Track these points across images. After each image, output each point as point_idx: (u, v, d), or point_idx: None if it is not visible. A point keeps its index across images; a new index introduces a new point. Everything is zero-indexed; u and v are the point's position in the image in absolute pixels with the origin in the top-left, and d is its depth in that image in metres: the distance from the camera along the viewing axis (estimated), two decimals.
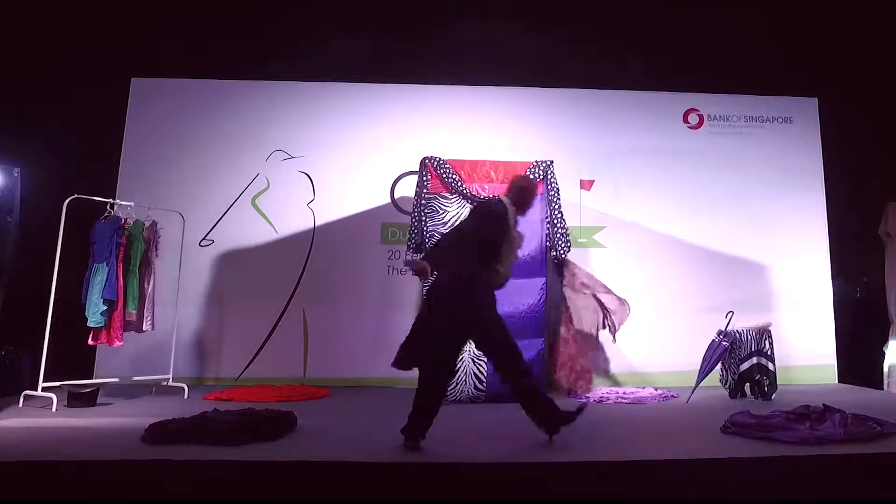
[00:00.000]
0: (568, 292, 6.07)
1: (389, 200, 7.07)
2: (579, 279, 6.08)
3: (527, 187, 4.18)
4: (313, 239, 6.96)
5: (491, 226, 3.91)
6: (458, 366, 5.51)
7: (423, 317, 4.00)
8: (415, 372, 5.45)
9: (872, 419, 3.96)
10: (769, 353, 5.73)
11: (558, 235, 5.90)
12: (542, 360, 5.61)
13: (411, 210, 6.05)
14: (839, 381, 6.93)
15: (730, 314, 5.85)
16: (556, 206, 5.93)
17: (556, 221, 5.91)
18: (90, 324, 5.33)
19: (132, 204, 5.89)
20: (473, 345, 5.52)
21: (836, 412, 3.98)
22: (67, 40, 6.81)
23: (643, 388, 6.31)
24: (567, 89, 7.44)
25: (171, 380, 5.90)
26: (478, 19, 7.13)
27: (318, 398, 5.73)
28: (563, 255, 5.96)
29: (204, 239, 6.87)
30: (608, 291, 6.10)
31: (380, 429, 4.31)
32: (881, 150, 7.14)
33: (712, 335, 5.80)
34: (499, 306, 5.55)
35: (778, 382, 5.74)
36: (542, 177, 5.90)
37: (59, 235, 5.26)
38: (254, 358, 6.67)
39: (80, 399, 5.07)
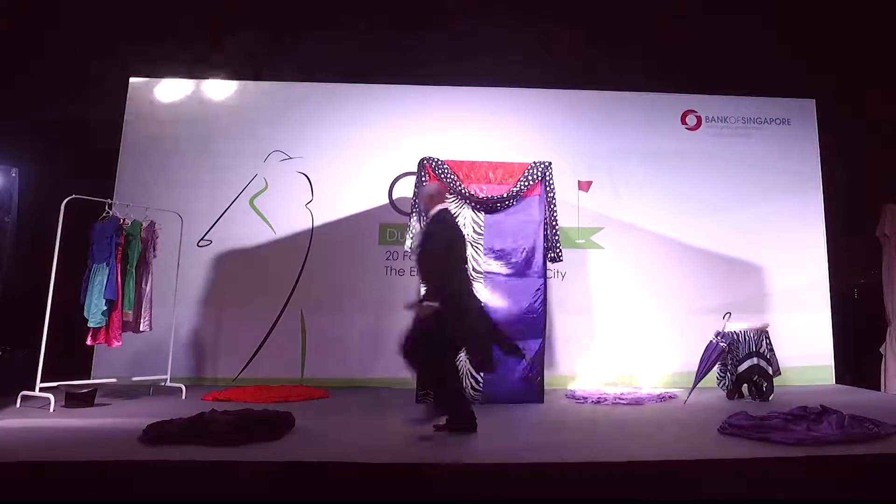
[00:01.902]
0: None
1: (388, 201, 7.07)
2: None
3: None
4: (311, 239, 6.96)
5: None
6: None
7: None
8: (408, 373, 5.49)
9: (869, 420, 3.97)
10: (767, 354, 5.74)
11: (556, 238, 5.90)
12: (540, 360, 5.61)
13: (409, 211, 6.04)
14: (837, 382, 6.94)
15: (727, 315, 5.86)
16: (553, 209, 5.93)
17: (553, 223, 5.91)
18: (91, 324, 5.33)
19: (130, 204, 5.89)
20: None
21: (833, 413, 4.00)
22: (66, 40, 6.80)
23: (641, 388, 6.32)
24: (565, 90, 7.46)
25: (168, 380, 5.89)
26: (477, 20, 7.12)
27: (315, 399, 5.72)
28: (559, 259, 5.96)
29: (202, 239, 6.87)
30: None
31: (377, 429, 4.32)
32: (879, 152, 7.15)
33: (710, 336, 5.81)
34: (498, 307, 5.63)
35: (775, 383, 5.75)
36: (540, 178, 5.90)
37: (56, 235, 5.26)
38: (251, 359, 6.67)
39: (78, 399, 5.07)
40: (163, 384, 5.88)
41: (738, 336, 5.76)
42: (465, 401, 4.37)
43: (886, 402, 5.56)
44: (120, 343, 5.48)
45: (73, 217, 5.40)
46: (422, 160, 5.89)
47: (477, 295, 4.65)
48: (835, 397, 5.49)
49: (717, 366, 5.84)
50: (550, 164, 5.97)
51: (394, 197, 7.09)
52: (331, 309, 6.83)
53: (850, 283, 7.68)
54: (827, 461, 3.36)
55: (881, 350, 6.76)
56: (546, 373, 5.75)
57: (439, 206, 4.50)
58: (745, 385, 5.82)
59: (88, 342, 5.45)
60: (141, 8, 6.91)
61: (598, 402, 5.68)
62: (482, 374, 5.51)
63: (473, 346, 4.32)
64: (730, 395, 5.81)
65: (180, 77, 7.22)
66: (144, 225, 5.79)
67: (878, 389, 6.58)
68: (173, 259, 6.19)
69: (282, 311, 6.76)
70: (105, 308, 5.33)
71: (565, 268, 6.91)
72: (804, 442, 3.59)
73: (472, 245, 5.75)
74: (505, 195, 5.82)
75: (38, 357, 5.05)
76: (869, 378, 6.75)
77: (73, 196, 5.36)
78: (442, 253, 4.26)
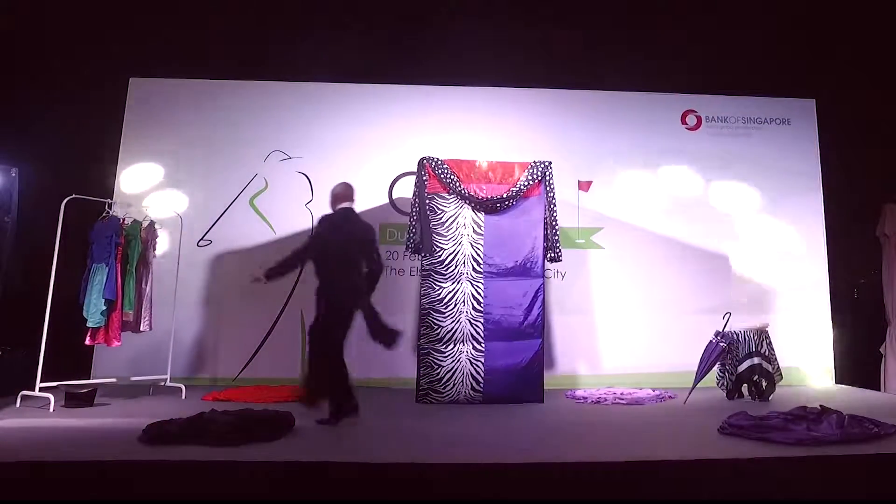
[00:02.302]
0: None
1: (388, 201, 7.07)
2: None
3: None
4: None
5: None
6: (456, 366, 5.54)
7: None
8: (410, 371, 5.53)
9: (869, 420, 3.97)
10: (767, 354, 5.74)
11: (556, 238, 5.90)
12: (540, 360, 5.61)
13: (409, 211, 6.04)
14: (837, 383, 6.94)
15: (727, 315, 5.86)
16: (553, 208, 5.92)
17: (553, 223, 5.91)
18: (90, 324, 5.33)
19: (130, 204, 5.89)
20: (471, 346, 5.58)
21: (832, 413, 4.00)
22: (66, 40, 6.79)
23: (641, 388, 6.31)
24: (566, 90, 7.45)
25: (168, 380, 5.89)
26: (477, 19, 7.12)
27: None
28: (558, 259, 5.96)
29: (202, 239, 6.86)
30: None
31: (377, 429, 4.32)
32: (879, 152, 7.14)
33: (710, 336, 5.81)
34: (497, 307, 5.63)
35: (776, 383, 5.75)
36: (540, 178, 5.90)
37: (56, 235, 5.25)
38: (251, 358, 6.66)
39: (78, 399, 5.07)
40: (163, 384, 5.88)
41: (737, 336, 5.76)
42: (349, 391, 4.53)
43: (886, 402, 5.56)
44: (119, 343, 5.48)
45: (73, 217, 5.40)
46: (421, 160, 5.89)
47: (362, 294, 4.80)
48: (835, 397, 5.49)
49: (716, 366, 5.84)
50: (550, 163, 5.97)
51: (394, 197, 7.09)
52: None
53: (850, 283, 7.67)
54: (827, 461, 3.36)
55: (881, 350, 6.76)
56: (546, 373, 5.75)
57: (342, 205, 4.84)
58: (745, 385, 5.82)
59: (87, 342, 5.45)
60: (141, 8, 6.90)
61: (598, 402, 5.68)
62: (482, 375, 5.52)
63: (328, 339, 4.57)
64: (729, 395, 5.81)
65: (180, 77, 7.22)
66: (144, 225, 5.79)
67: (878, 389, 6.58)
68: (173, 259, 6.19)
69: (281, 311, 6.76)
70: (104, 308, 5.33)
71: (565, 268, 6.91)
72: (804, 442, 3.60)
73: (471, 245, 5.76)
74: (505, 195, 5.83)
75: (38, 357, 5.05)
76: (869, 378, 6.76)
77: (73, 196, 5.36)
78: (319, 250, 4.75)
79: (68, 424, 4.32)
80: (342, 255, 4.70)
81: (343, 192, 4.90)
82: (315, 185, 7.06)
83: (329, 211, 4.94)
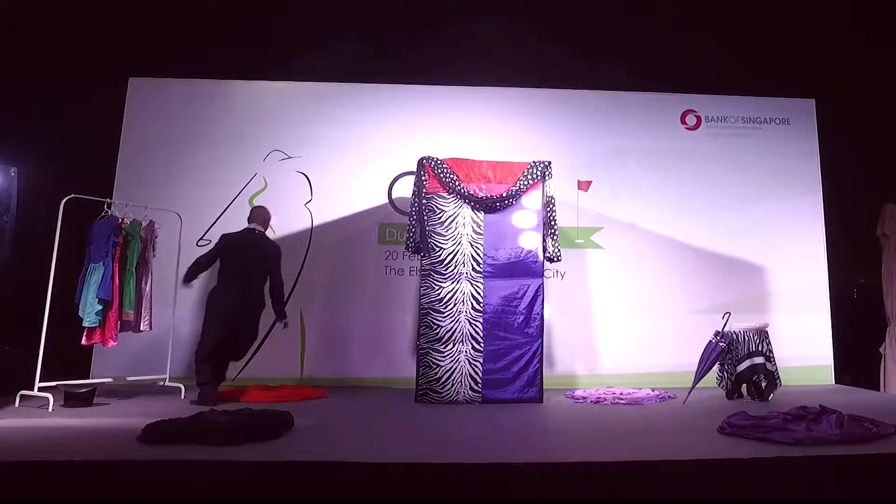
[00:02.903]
0: None
1: (387, 201, 7.07)
2: None
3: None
4: (311, 239, 6.96)
5: None
6: (454, 366, 5.54)
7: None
8: (410, 371, 5.56)
9: (868, 420, 3.96)
10: (768, 353, 5.74)
11: (555, 238, 5.89)
12: (539, 360, 5.60)
13: (409, 210, 6.04)
14: (836, 382, 6.94)
15: (727, 315, 5.86)
16: (552, 208, 5.91)
17: (552, 223, 5.90)
18: (86, 323, 5.31)
19: (129, 203, 5.89)
20: (470, 346, 5.58)
21: (832, 413, 3.99)
22: (66, 40, 6.79)
23: (640, 388, 6.31)
24: (565, 90, 7.46)
25: (167, 380, 5.89)
26: (477, 19, 7.13)
27: (314, 398, 5.72)
28: (557, 259, 5.95)
29: (201, 239, 6.86)
30: None
31: (377, 429, 4.32)
32: (878, 152, 7.15)
33: (709, 336, 5.81)
34: (496, 307, 5.63)
35: (777, 385, 5.75)
36: (539, 177, 5.89)
37: (55, 235, 5.25)
38: (251, 358, 6.62)
39: (77, 399, 5.06)
40: (162, 384, 5.88)
41: (737, 336, 5.76)
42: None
43: (886, 402, 5.56)
44: (115, 343, 5.47)
45: (73, 216, 5.40)
46: (421, 160, 5.89)
47: (249, 309, 5.47)
48: (835, 397, 5.48)
49: (716, 366, 5.84)
50: (550, 163, 5.97)
51: (393, 197, 7.09)
52: (330, 309, 6.82)
53: (850, 283, 7.67)
54: (827, 461, 3.36)
55: (881, 350, 6.76)
56: (545, 373, 5.75)
57: (253, 226, 5.57)
58: (745, 385, 5.82)
59: (83, 342, 5.43)
60: (141, 8, 6.90)
61: (598, 401, 5.67)
62: (481, 375, 5.52)
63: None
64: (729, 395, 5.81)
65: (180, 77, 7.22)
66: (144, 224, 5.79)
67: (878, 389, 6.57)
68: (173, 259, 6.19)
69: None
70: (100, 308, 5.31)
71: (565, 268, 6.91)
72: (804, 442, 3.59)
73: (471, 245, 5.76)
74: (504, 194, 5.82)
75: (37, 356, 5.05)
76: (869, 378, 6.75)
77: (73, 195, 5.35)
78: (225, 258, 5.39)
79: (67, 424, 4.31)
80: (246, 267, 5.39)
81: (258, 214, 5.66)
82: (314, 184, 7.07)
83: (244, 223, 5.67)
